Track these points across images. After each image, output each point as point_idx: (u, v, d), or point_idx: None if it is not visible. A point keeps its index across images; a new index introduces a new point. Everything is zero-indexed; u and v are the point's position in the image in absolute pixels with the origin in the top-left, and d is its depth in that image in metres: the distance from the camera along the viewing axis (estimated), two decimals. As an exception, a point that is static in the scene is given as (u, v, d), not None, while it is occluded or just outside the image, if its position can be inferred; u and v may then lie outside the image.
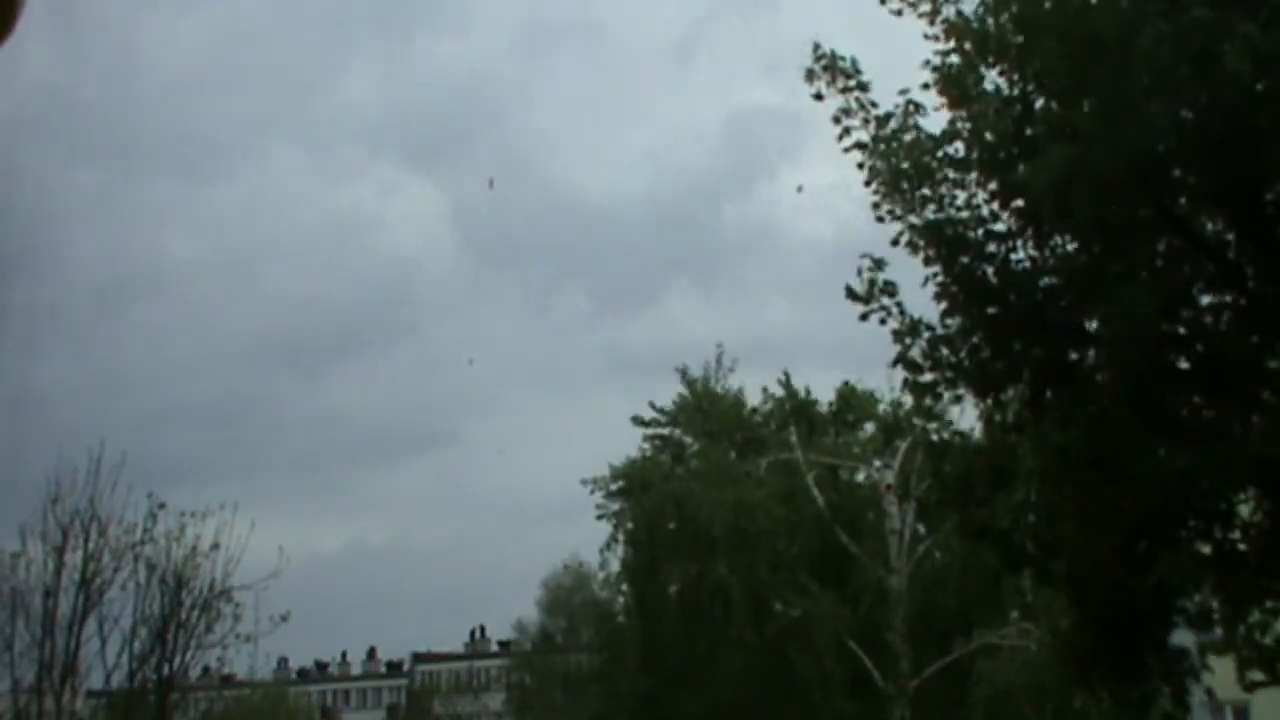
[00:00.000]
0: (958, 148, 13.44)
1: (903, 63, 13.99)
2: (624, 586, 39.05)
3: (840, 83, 13.90)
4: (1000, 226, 13.45)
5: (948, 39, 13.19)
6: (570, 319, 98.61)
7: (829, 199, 77.35)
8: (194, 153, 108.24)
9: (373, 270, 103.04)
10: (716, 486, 33.83)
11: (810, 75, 14.02)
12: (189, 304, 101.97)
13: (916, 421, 32.89)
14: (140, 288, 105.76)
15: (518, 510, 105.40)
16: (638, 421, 38.85)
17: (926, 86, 13.37)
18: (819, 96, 14.00)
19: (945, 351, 13.72)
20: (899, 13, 13.46)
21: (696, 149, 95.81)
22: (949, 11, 13.22)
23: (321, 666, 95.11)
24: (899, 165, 13.42)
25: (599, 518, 37.73)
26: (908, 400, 34.92)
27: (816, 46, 14.10)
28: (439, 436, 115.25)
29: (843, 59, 14.00)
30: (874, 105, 13.83)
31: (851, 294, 13.90)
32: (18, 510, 21.34)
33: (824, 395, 38.93)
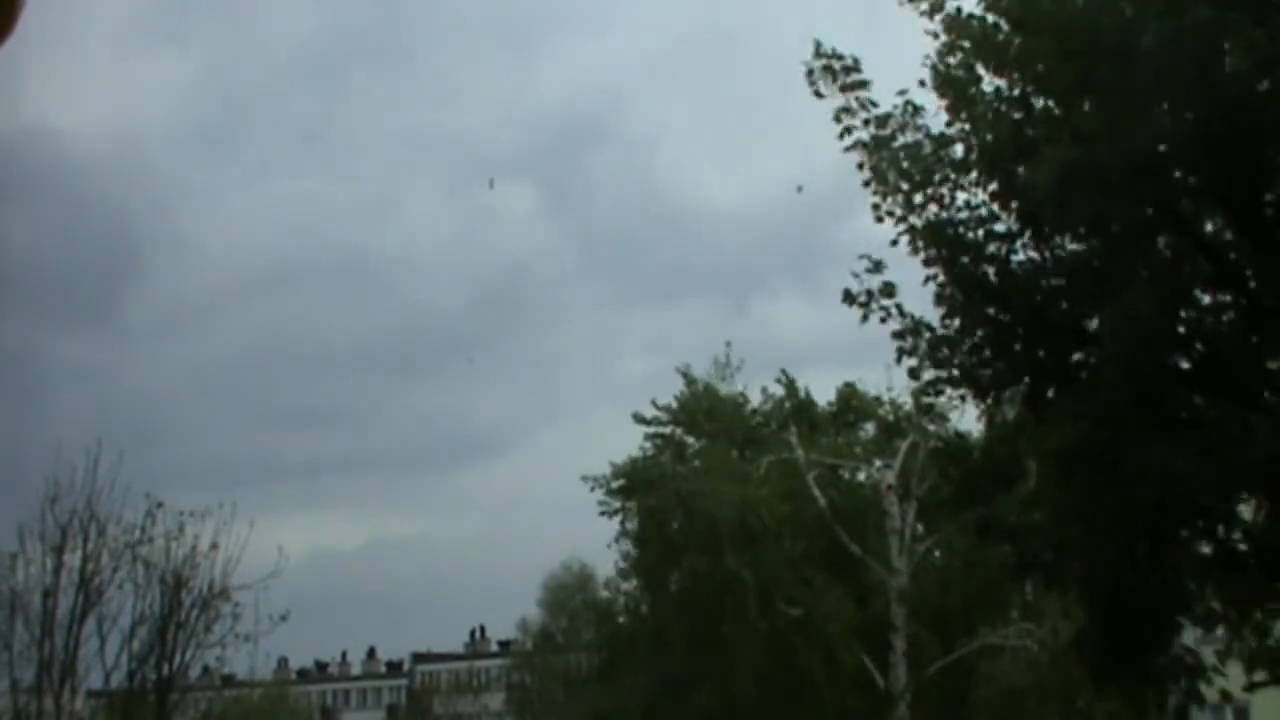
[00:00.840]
0: (957, 149, 13.42)
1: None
2: (627, 585, 39.06)
3: (840, 80, 13.89)
4: (1000, 227, 13.43)
5: (948, 34, 13.16)
6: (666, 324, 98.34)
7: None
8: (320, 152, 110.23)
9: (478, 278, 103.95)
10: (722, 483, 33.82)
11: (811, 74, 14.00)
12: (300, 305, 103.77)
13: (924, 425, 33.22)
14: (257, 286, 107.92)
15: (538, 513, 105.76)
16: (639, 419, 38.87)
17: (923, 84, 13.35)
18: (819, 94, 13.99)
19: (946, 352, 13.70)
20: (901, 2, 13.45)
21: (808, 158, 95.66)
22: (950, 7, 13.20)
23: (321, 666, 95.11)
24: (899, 166, 13.39)
25: (602, 514, 37.75)
26: (908, 400, 35.31)
27: (818, 45, 14.10)
28: (509, 441, 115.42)
29: (843, 58, 14.00)
30: (874, 104, 13.81)
31: (849, 298, 13.88)
32: (16, 510, 21.36)
33: (824, 395, 39.02)
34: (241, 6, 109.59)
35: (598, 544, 38.80)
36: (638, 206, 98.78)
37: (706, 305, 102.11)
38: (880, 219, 13.59)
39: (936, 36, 13.25)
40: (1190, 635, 14.83)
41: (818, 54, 14.03)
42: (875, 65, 14.05)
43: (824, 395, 39.02)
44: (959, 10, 13.16)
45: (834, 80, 13.90)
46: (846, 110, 13.86)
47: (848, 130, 13.81)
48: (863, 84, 13.86)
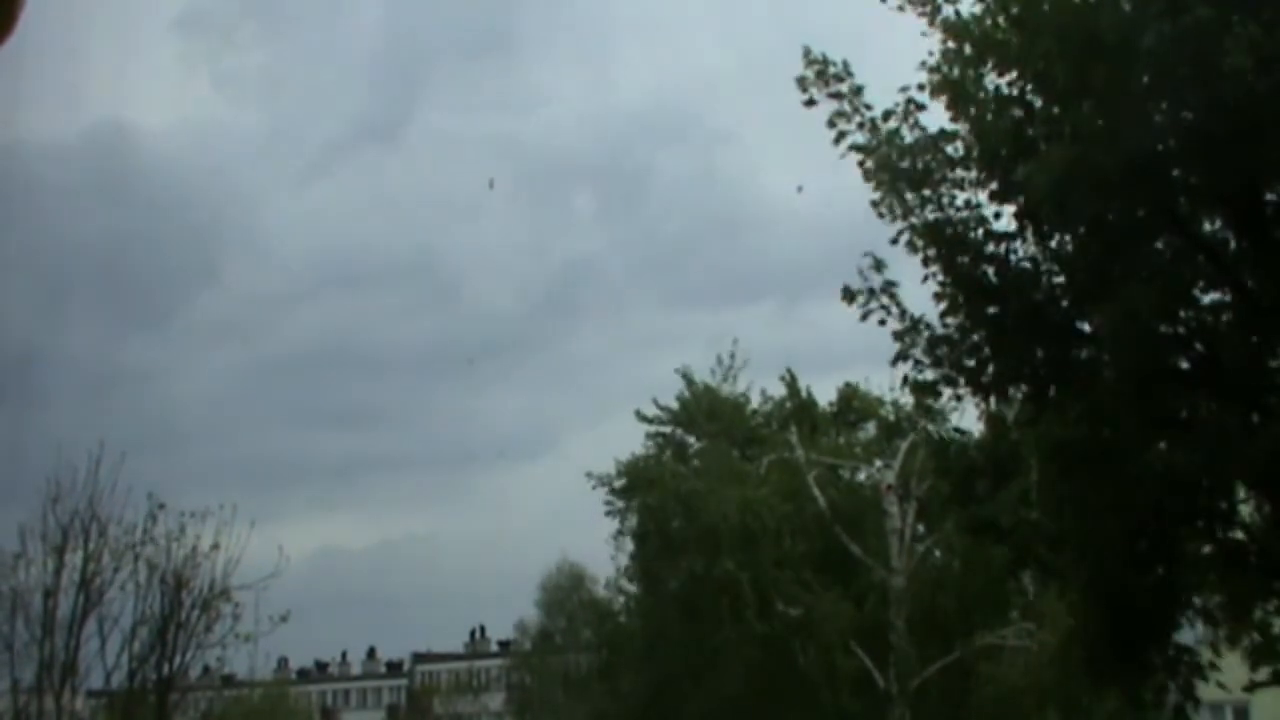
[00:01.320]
0: (957, 147, 13.43)
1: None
2: (628, 584, 39.12)
3: (832, 86, 13.88)
4: (1000, 226, 13.45)
5: (946, 39, 13.18)
6: (722, 328, 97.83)
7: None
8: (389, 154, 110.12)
9: (535, 282, 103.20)
10: (722, 483, 33.87)
11: (803, 82, 13.98)
12: (355, 307, 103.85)
13: (919, 421, 33.29)
14: (315, 289, 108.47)
15: (550, 513, 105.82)
16: (641, 418, 38.93)
17: (922, 88, 13.36)
18: (811, 102, 13.96)
19: (945, 351, 13.72)
20: (901, 8, 13.44)
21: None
22: (948, 11, 13.20)
23: (321, 666, 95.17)
24: (898, 165, 13.40)
25: (607, 513, 37.78)
26: (909, 400, 35.34)
27: (807, 51, 14.06)
28: (546, 443, 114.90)
29: (834, 64, 13.97)
30: (868, 108, 13.82)
31: (848, 295, 13.88)
32: (18, 511, 21.39)
33: (825, 395, 39.10)
34: (322, 4, 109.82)
35: (601, 544, 38.83)
36: (703, 212, 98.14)
37: (765, 310, 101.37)
38: (880, 215, 13.61)
39: (934, 37, 13.28)
40: (1190, 635, 14.85)
41: (809, 61, 14.00)
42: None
43: (825, 395, 39.18)
44: (957, 14, 13.17)
45: (825, 86, 13.89)
46: (841, 115, 13.85)
47: (842, 135, 13.82)
48: (857, 89, 13.86)
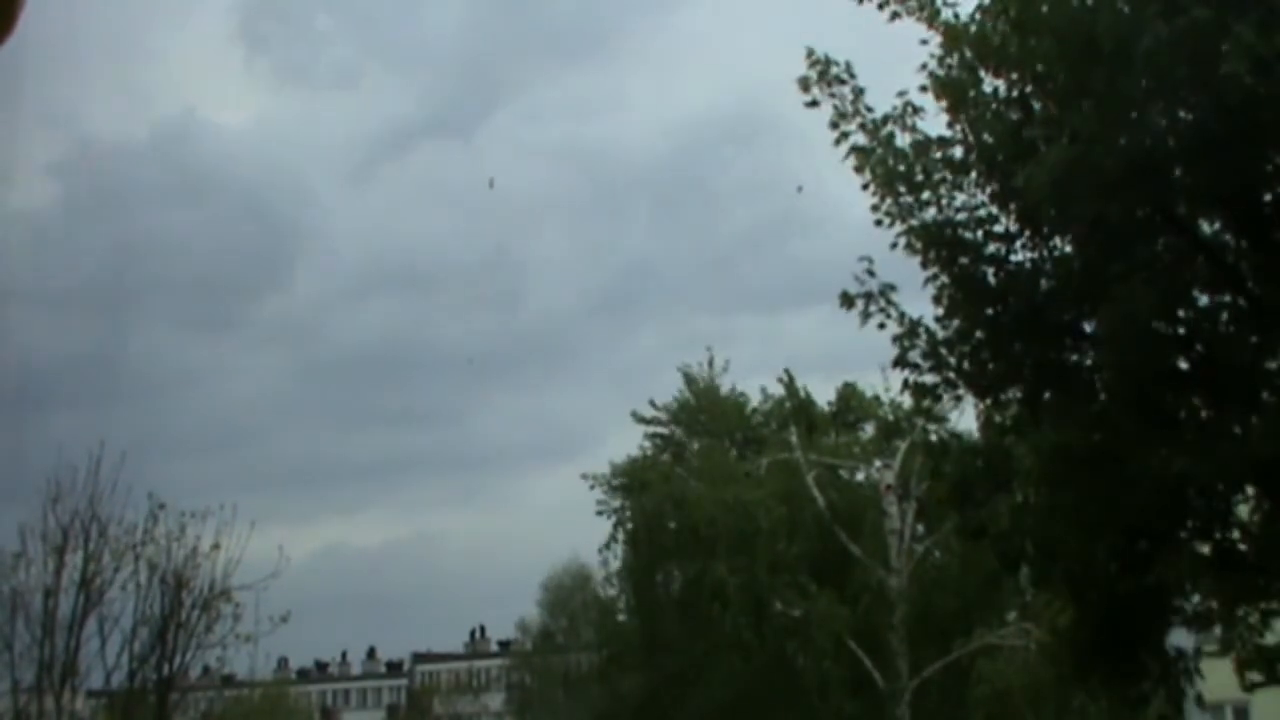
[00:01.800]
0: (957, 150, 13.43)
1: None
2: (625, 585, 39.11)
3: (834, 88, 13.88)
4: (1000, 228, 13.45)
5: (945, 42, 13.18)
6: (775, 329, 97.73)
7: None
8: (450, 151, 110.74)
9: (597, 285, 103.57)
10: (717, 486, 33.89)
11: (805, 83, 13.97)
12: (419, 306, 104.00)
13: (917, 422, 33.28)
14: (372, 290, 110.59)
15: (549, 514, 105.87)
16: (638, 418, 38.94)
17: (924, 89, 13.36)
18: (814, 103, 13.95)
19: (945, 353, 13.72)
20: (896, 14, 13.45)
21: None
22: (947, 15, 13.20)
23: (321, 666, 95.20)
24: (896, 168, 13.39)
25: (599, 513, 37.76)
26: (908, 400, 35.30)
27: (810, 52, 14.05)
28: (579, 445, 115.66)
29: (836, 64, 13.97)
30: (869, 110, 13.81)
31: (846, 300, 13.86)
32: (18, 511, 21.39)
33: (823, 395, 39.13)
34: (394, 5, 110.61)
35: (582, 540, 38.91)
36: (764, 215, 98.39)
37: (823, 313, 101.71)
38: (879, 222, 13.60)
39: (927, 43, 13.30)
40: (1184, 637, 14.87)
41: (811, 62, 13.99)
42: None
43: (825, 395, 39.23)
44: (956, 16, 13.18)
45: (828, 87, 13.88)
46: (843, 116, 13.83)
47: (844, 135, 13.80)
48: (858, 91, 13.85)
